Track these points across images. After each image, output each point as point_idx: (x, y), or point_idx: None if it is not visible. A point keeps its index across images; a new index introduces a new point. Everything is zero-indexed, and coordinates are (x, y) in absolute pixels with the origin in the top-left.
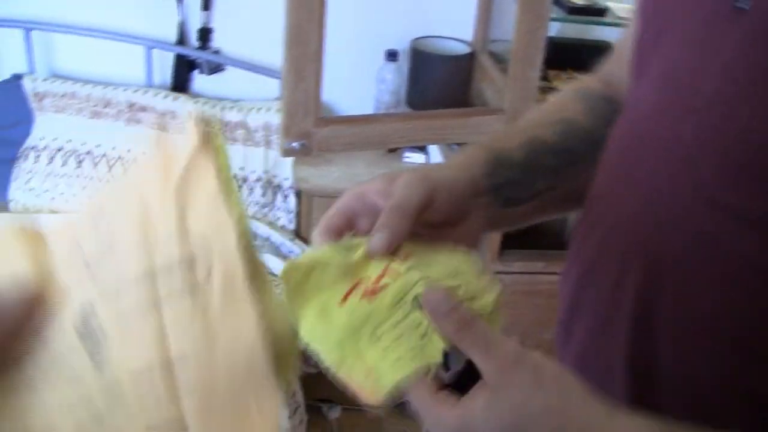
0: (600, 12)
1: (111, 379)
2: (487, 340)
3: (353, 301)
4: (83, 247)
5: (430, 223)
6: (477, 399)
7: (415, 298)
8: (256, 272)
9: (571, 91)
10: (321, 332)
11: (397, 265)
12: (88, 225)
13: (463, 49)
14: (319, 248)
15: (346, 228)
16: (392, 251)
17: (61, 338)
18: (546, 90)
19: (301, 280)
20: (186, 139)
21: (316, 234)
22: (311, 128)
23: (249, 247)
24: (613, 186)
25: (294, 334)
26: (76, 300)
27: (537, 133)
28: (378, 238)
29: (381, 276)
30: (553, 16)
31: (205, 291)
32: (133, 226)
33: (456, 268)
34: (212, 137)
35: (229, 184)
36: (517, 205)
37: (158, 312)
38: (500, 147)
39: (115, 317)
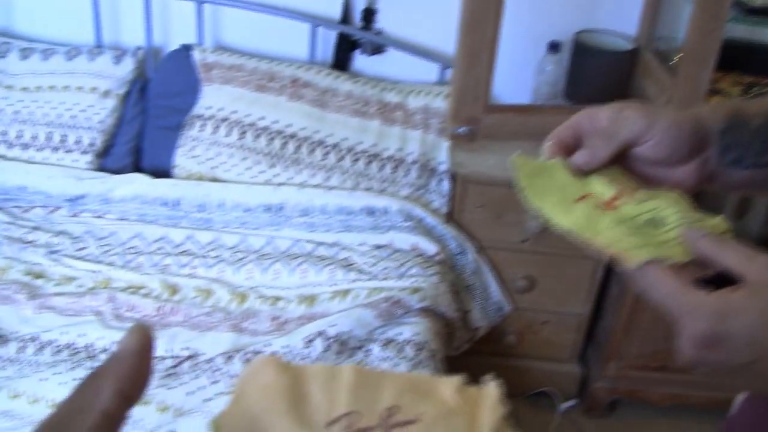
0: None
1: None
2: (745, 249)
3: (588, 204)
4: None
5: (646, 158)
6: (737, 291)
7: (651, 219)
8: None
9: None
10: (561, 212)
11: (631, 192)
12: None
13: (626, 45)
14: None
15: (573, 142)
16: (593, 170)
17: None
18: (713, 93)
19: (531, 173)
20: (488, 405)
21: (546, 145)
22: (479, 114)
23: None
24: None
25: None
26: None
27: None
28: (579, 155)
29: (615, 198)
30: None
31: None
32: None
33: (678, 205)
34: (508, 419)
35: None
36: (742, 169)
37: None
38: (744, 108)
39: None
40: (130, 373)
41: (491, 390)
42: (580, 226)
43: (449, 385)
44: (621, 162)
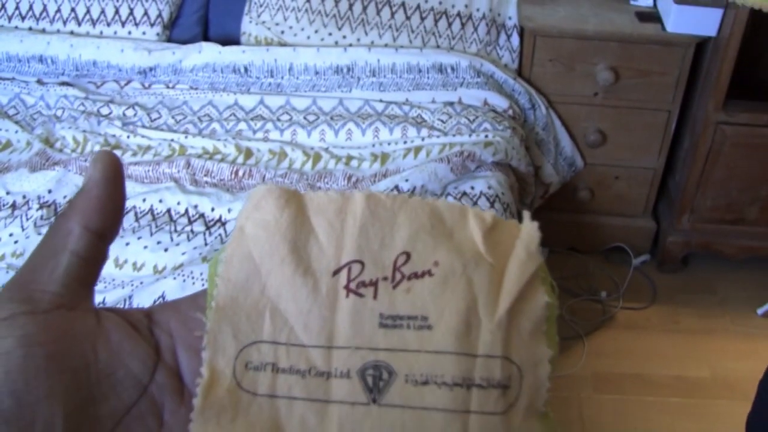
0: None
1: None
2: None
3: None
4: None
5: None
6: None
7: None
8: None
9: None
10: None
11: None
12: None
13: None
14: None
15: None
16: None
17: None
18: None
19: None
20: (518, 260)
21: None
22: None
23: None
24: None
25: None
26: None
27: None
28: None
29: None
30: None
31: (511, 414)
32: (459, 306)
33: None
34: (543, 271)
35: (553, 319)
36: None
37: (465, 419)
38: None
39: (415, 397)
40: (97, 205)
41: (527, 235)
42: None
43: (476, 226)
44: None
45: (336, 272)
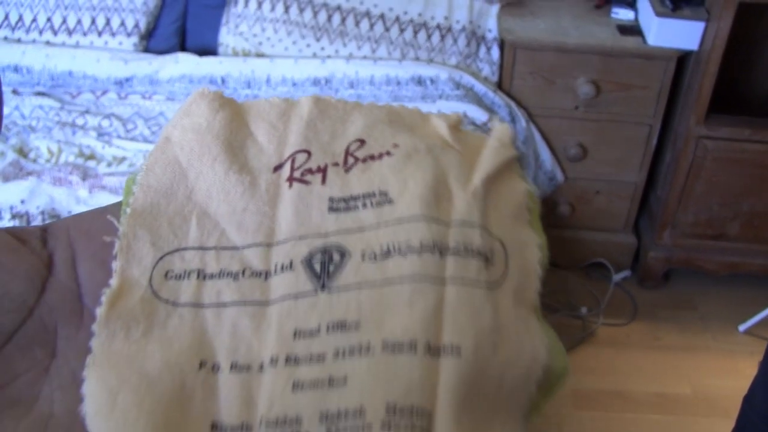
0: None
1: (356, 340)
2: None
3: None
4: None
5: None
6: None
7: None
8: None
9: None
10: None
11: None
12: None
13: None
14: None
15: None
16: None
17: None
18: None
19: None
20: (490, 148)
21: None
22: None
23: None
24: None
25: (562, 376)
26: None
27: None
28: None
29: None
30: None
31: (497, 293)
32: (426, 176)
33: None
34: (519, 170)
35: (537, 213)
36: None
37: (440, 290)
38: None
39: (375, 272)
40: None
41: (498, 131)
42: None
43: (441, 122)
44: None
45: (277, 168)
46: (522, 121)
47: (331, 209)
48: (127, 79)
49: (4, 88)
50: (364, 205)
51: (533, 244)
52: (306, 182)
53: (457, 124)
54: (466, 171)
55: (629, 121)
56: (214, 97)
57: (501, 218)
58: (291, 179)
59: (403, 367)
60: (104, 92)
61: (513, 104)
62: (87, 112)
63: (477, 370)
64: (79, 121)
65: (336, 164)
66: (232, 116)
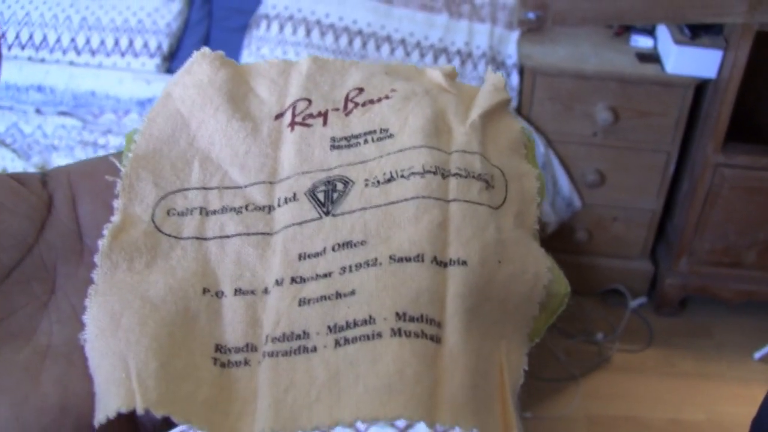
0: None
1: (363, 256)
2: None
3: None
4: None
5: None
6: None
7: None
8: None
9: None
10: None
11: None
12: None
13: None
14: None
15: None
16: None
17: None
18: None
19: None
20: (485, 91)
21: None
22: None
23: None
24: None
25: (563, 296)
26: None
27: None
28: None
29: None
30: None
31: (500, 213)
32: (426, 112)
33: None
34: (510, 107)
35: (533, 151)
36: None
37: (444, 206)
38: None
39: (378, 196)
40: None
41: (492, 77)
42: None
43: (437, 72)
44: None
45: (279, 116)
46: (540, 146)
47: (333, 147)
48: (149, 100)
49: (27, 107)
50: (366, 141)
51: (531, 174)
52: (308, 125)
53: (452, 75)
54: (463, 110)
55: (647, 149)
56: (215, 57)
57: (499, 150)
58: (293, 124)
59: (412, 277)
60: (126, 112)
61: (532, 130)
62: (109, 131)
63: (484, 281)
64: (101, 141)
65: (336, 109)
66: (233, 74)
